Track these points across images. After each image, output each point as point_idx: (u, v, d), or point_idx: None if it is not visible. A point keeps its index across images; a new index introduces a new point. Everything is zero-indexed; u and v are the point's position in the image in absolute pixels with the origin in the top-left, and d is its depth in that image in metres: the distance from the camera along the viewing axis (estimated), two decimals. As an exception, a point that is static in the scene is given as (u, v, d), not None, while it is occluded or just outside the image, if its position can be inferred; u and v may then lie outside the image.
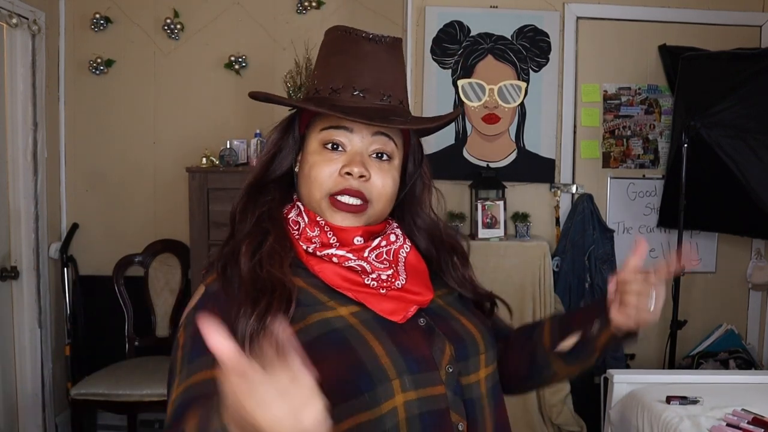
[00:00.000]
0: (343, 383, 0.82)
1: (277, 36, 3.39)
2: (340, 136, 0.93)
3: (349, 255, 0.91)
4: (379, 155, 0.94)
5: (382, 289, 0.91)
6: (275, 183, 0.98)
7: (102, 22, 3.36)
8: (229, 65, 3.37)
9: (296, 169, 0.99)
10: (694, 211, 2.85)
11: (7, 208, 3.05)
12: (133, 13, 3.39)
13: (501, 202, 2.96)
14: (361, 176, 0.92)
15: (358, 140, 0.93)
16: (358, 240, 0.93)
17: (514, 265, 2.88)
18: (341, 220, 0.93)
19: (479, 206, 2.94)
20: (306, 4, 3.35)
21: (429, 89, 3.10)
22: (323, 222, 0.93)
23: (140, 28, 3.40)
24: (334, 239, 0.92)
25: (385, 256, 0.95)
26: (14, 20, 2.89)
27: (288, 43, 3.36)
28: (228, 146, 3.10)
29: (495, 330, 1.06)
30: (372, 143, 0.94)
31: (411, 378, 0.86)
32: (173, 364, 0.88)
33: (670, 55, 3.13)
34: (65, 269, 3.32)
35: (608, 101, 3.21)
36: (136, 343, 3.32)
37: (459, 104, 3.11)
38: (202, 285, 0.93)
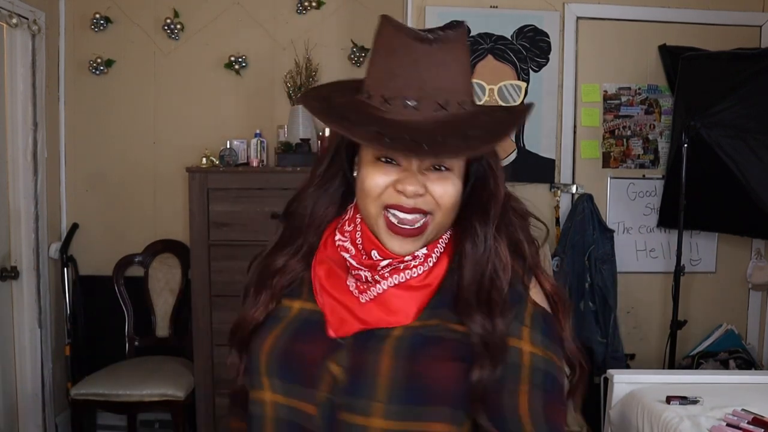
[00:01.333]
0: (247, 363, 0.95)
1: (277, 36, 3.39)
2: (392, 153, 0.86)
3: (364, 271, 0.90)
4: (438, 167, 0.87)
5: (362, 295, 0.89)
6: (334, 181, 0.97)
7: (102, 22, 3.36)
8: (229, 65, 3.37)
9: (355, 174, 0.93)
10: (694, 211, 2.85)
11: (7, 208, 3.05)
12: (133, 13, 3.39)
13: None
14: (417, 194, 0.85)
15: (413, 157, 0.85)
16: (383, 263, 0.89)
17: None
18: (398, 246, 0.87)
19: (479, 206, 2.94)
20: (306, 4, 3.35)
21: (429, 89, 3.10)
22: (368, 248, 0.90)
23: (140, 28, 3.39)
24: (365, 258, 0.90)
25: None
26: (14, 20, 2.89)
27: (288, 43, 3.36)
28: (228, 146, 3.10)
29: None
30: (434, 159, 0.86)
31: (281, 384, 0.90)
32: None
33: (670, 55, 3.13)
34: (65, 269, 3.32)
35: (608, 101, 3.21)
36: (136, 343, 3.32)
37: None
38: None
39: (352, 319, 0.88)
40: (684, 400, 2.22)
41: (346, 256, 0.91)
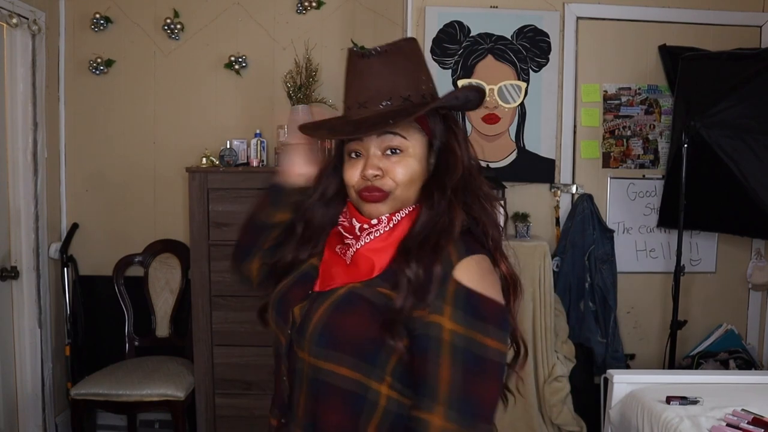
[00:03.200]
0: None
1: (277, 36, 3.39)
2: (355, 146, 1.14)
3: (345, 231, 1.17)
4: (393, 150, 1.12)
5: (344, 256, 1.15)
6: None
7: (102, 22, 3.36)
8: (229, 65, 3.37)
9: None
10: (694, 211, 2.85)
11: (7, 208, 3.05)
12: (133, 13, 3.39)
13: (501, 203, 2.96)
14: (375, 175, 1.11)
15: (370, 145, 1.12)
16: (355, 222, 1.15)
17: (513, 265, 2.87)
18: (369, 209, 1.13)
19: (479, 206, 2.94)
20: (306, 4, 3.35)
21: (429, 89, 3.09)
22: (350, 218, 1.17)
23: (140, 28, 3.39)
24: (352, 220, 1.17)
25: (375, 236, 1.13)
26: (14, 20, 2.89)
27: (288, 43, 3.36)
28: (228, 146, 3.10)
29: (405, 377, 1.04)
30: (382, 142, 1.11)
31: (276, 315, 1.18)
32: None
33: (670, 55, 3.13)
34: (65, 269, 3.32)
35: (608, 101, 3.21)
36: (136, 343, 3.32)
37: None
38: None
39: (339, 277, 1.13)
40: (684, 400, 2.22)
41: (339, 228, 1.19)
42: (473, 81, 3.10)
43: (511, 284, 1.15)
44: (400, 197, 1.12)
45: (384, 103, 1.11)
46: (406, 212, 1.14)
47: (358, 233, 1.14)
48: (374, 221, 1.13)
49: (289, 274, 1.21)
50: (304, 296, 1.15)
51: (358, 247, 1.13)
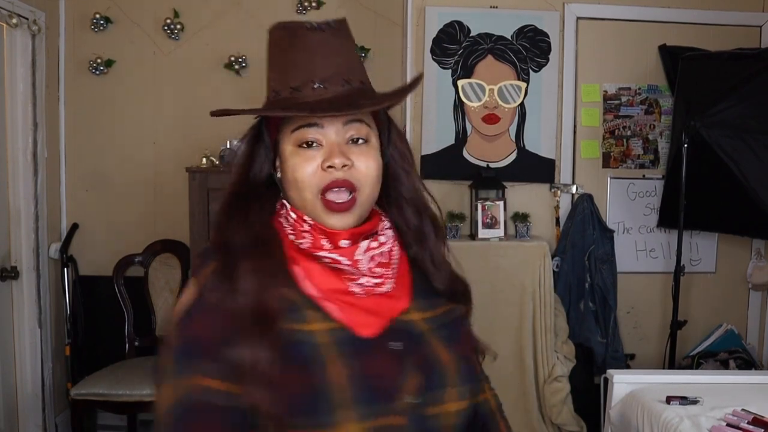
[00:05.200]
0: (297, 403, 0.84)
1: (277, 36, 3.38)
2: (313, 133, 0.92)
3: (341, 258, 0.91)
4: (356, 140, 0.93)
5: (363, 292, 0.92)
6: (256, 191, 0.97)
7: (102, 22, 3.36)
8: (229, 65, 3.37)
9: (278, 176, 0.98)
10: (694, 211, 2.85)
11: (7, 208, 3.05)
12: (133, 13, 3.39)
13: (501, 203, 2.96)
14: (344, 165, 0.91)
15: (332, 133, 0.92)
16: (343, 243, 0.93)
17: (514, 265, 2.88)
18: (337, 221, 0.92)
19: (479, 206, 2.94)
20: (306, 4, 3.35)
21: (429, 89, 3.10)
22: (312, 222, 0.93)
23: (140, 28, 3.39)
24: (325, 241, 0.93)
25: (379, 258, 0.94)
26: (14, 20, 2.89)
27: (288, 43, 3.36)
28: (228, 146, 3.09)
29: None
30: (347, 131, 0.93)
31: (367, 407, 0.85)
32: (164, 362, 0.88)
33: (670, 55, 3.13)
34: (65, 269, 3.32)
35: (608, 101, 3.21)
36: (136, 343, 3.32)
37: (459, 104, 3.11)
38: (195, 281, 0.92)
39: (379, 315, 0.91)
40: (684, 400, 2.22)
41: (341, 267, 0.91)
42: (473, 81, 3.11)
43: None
44: (366, 197, 0.94)
45: (346, 84, 0.93)
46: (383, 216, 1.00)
47: (362, 255, 0.92)
48: (382, 239, 0.95)
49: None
50: (396, 353, 0.89)
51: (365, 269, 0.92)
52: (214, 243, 0.96)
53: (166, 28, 3.35)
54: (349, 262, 0.91)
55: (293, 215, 0.94)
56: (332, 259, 0.91)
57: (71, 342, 3.30)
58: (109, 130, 3.44)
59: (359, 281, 0.92)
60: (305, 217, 0.93)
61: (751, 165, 2.62)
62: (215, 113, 0.99)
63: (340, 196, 0.91)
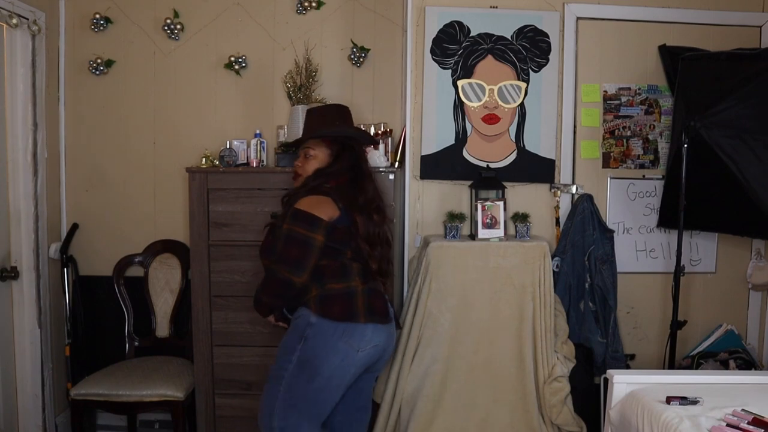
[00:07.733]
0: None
1: (277, 36, 3.39)
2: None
3: None
4: (306, 156, 2.39)
5: None
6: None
7: (102, 22, 3.36)
8: (229, 65, 3.37)
9: None
10: (694, 211, 2.85)
11: (7, 208, 3.05)
12: (133, 13, 3.39)
13: (501, 203, 2.96)
14: (296, 168, 2.41)
15: (300, 152, 2.41)
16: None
17: (514, 265, 2.88)
18: None
19: (479, 206, 2.94)
20: (306, 4, 3.35)
21: (429, 89, 3.10)
22: None
23: (140, 28, 3.40)
24: None
25: None
26: (14, 20, 2.90)
27: (288, 43, 3.36)
28: (228, 146, 3.10)
29: None
30: (304, 150, 2.40)
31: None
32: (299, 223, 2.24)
33: (670, 55, 3.13)
34: (65, 269, 3.32)
35: (608, 101, 3.21)
36: (136, 344, 3.32)
37: (459, 105, 3.12)
38: (313, 193, 2.31)
39: None
40: (684, 400, 2.22)
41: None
42: (473, 81, 3.11)
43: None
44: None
45: (307, 134, 2.45)
46: None
47: None
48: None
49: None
50: None
51: None
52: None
53: (166, 28, 3.35)
54: None
55: None
56: None
57: (71, 342, 3.30)
58: (109, 130, 3.45)
59: None
60: None
61: (750, 165, 2.62)
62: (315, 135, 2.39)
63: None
